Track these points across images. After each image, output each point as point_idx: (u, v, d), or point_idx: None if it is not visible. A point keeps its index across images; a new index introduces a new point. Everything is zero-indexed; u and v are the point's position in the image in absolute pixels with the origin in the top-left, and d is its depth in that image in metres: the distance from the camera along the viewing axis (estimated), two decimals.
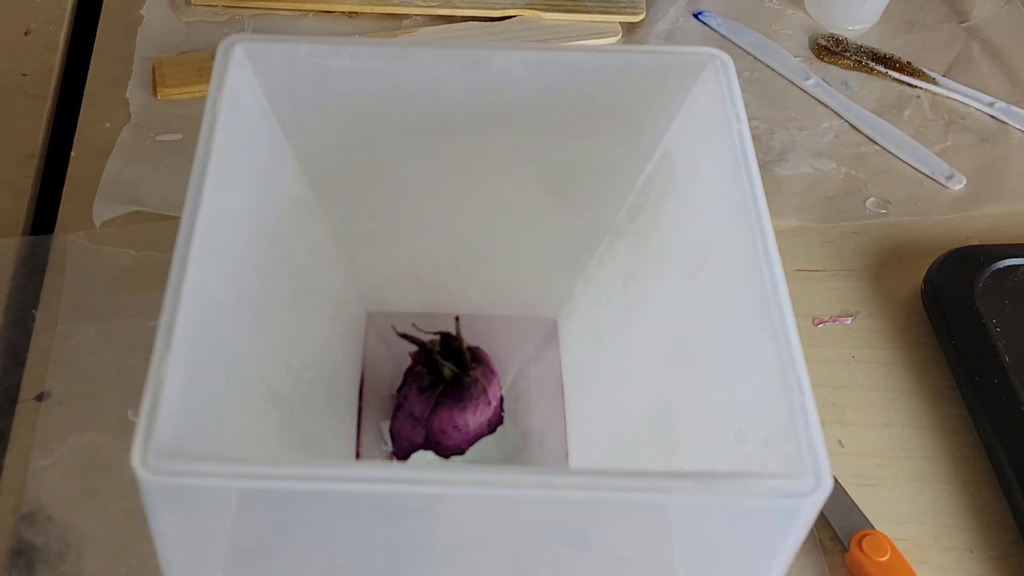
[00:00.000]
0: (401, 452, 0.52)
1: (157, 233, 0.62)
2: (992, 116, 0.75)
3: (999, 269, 0.61)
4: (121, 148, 0.67)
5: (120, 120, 0.69)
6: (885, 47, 0.79)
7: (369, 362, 0.56)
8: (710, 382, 0.46)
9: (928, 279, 0.62)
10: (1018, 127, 0.74)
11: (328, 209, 0.53)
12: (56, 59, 0.72)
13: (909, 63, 0.78)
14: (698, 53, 0.48)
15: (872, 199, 0.69)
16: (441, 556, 0.40)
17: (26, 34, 0.74)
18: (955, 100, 0.76)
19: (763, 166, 0.68)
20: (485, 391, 0.51)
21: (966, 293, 0.60)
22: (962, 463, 0.56)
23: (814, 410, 0.38)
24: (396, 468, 0.45)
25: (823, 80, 0.76)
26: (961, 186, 0.70)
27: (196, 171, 0.43)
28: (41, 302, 0.59)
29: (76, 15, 0.76)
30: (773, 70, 0.77)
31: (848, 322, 0.62)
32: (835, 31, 0.80)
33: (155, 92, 0.70)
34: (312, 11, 0.77)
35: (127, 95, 0.70)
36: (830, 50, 0.78)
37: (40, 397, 0.55)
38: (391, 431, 0.52)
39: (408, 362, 0.53)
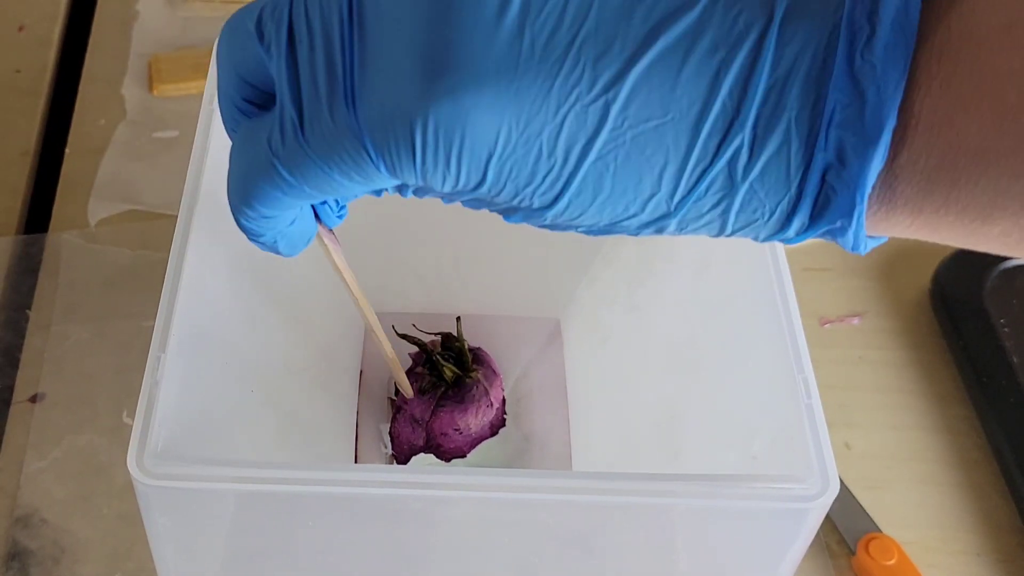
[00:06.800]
0: (401, 455, 0.51)
1: (153, 232, 0.62)
2: None
3: (1007, 269, 0.60)
4: (116, 145, 0.67)
5: (115, 117, 0.68)
6: None
7: (368, 363, 0.56)
8: (715, 383, 0.45)
9: (936, 279, 0.61)
10: None
11: None
12: (50, 55, 0.72)
13: None
14: None
15: None
16: (442, 560, 0.40)
17: (20, 30, 0.73)
18: None
19: None
20: (487, 393, 0.50)
21: (974, 293, 0.59)
22: (970, 466, 0.56)
23: (821, 412, 0.38)
24: (395, 471, 0.44)
25: None
26: None
27: (193, 169, 0.42)
28: (35, 302, 0.58)
29: (71, 11, 0.76)
30: None
31: (855, 322, 0.61)
32: None
33: (151, 88, 0.70)
34: None
35: (122, 92, 0.70)
36: None
37: (34, 399, 0.55)
38: (391, 434, 0.52)
39: (408, 363, 0.52)
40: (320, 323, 0.54)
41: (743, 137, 0.26)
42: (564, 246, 0.55)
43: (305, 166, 0.29)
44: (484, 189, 0.28)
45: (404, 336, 0.52)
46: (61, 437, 0.53)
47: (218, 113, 0.44)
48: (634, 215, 0.28)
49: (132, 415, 0.36)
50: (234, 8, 0.76)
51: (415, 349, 0.52)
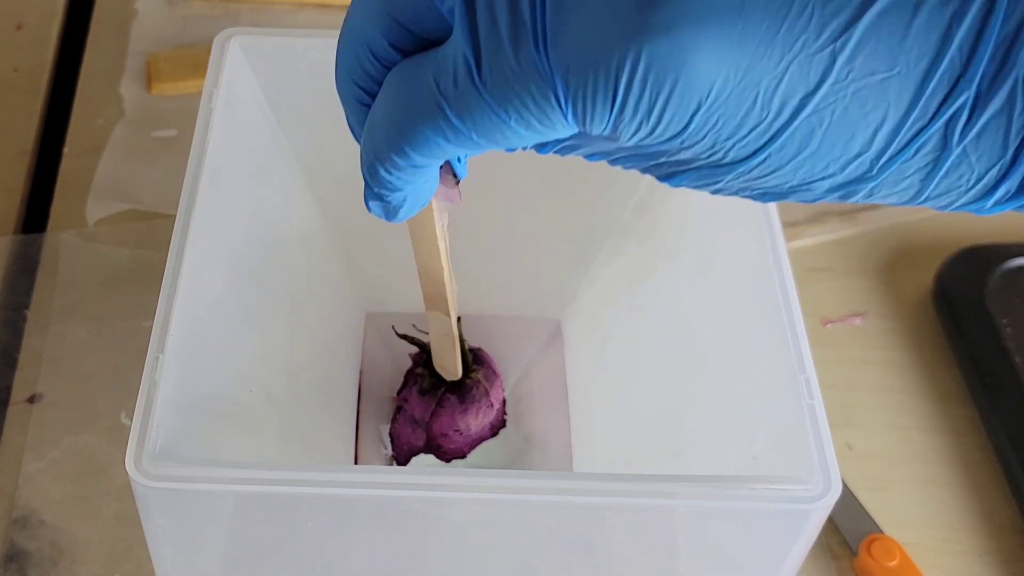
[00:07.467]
0: (401, 456, 0.51)
1: (151, 231, 0.62)
2: None
3: (1010, 268, 0.60)
4: (115, 145, 0.66)
5: (114, 116, 0.68)
6: None
7: (368, 364, 0.55)
8: (717, 384, 0.45)
9: (938, 279, 0.61)
10: None
11: (326, 206, 0.52)
12: (49, 54, 0.72)
13: None
14: None
15: None
16: (442, 562, 0.40)
17: (18, 29, 0.73)
18: None
19: None
20: (487, 393, 0.50)
21: (977, 293, 0.59)
22: (972, 466, 0.55)
23: (823, 412, 0.37)
24: (395, 472, 0.44)
25: None
26: None
27: (191, 168, 0.42)
28: (33, 302, 0.58)
29: (69, 9, 0.76)
30: None
31: (857, 322, 0.61)
32: None
33: (149, 87, 0.69)
34: (310, 4, 0.76)
35: (121, 90, 0.69)
36: None
37: (32, 399, 0.54)
38: (391, 434, 0.52)
39: (408, 364, 0.52)
40: (320, 323, 0.54)
41: (967, 95, 0.25)
42: (565, 245, 0.54)
43: (479, 111, 0.26)
44: (678, 140, 0.26)
45: (404, 336, 0.51)
46: (59, 438, 0.53)
47: (217, 112, 0.44)
48: (830, 175, 0.27)
49: (130, 416, 0.36)
50: (234, 6, 0.75)
51: (415, 349, 0.52)
